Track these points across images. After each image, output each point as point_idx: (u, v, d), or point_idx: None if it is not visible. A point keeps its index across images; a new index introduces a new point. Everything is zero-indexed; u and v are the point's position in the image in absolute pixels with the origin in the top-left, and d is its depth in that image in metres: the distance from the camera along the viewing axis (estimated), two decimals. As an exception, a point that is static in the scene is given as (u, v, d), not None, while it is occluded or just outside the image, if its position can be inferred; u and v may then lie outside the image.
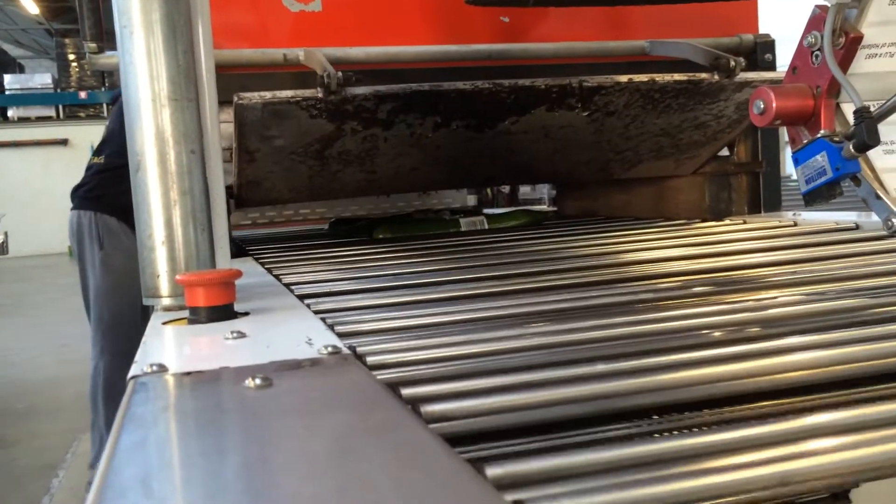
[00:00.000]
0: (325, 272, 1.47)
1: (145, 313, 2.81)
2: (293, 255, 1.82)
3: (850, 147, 0.89)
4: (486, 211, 2.89)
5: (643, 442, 0.58)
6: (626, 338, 0.85)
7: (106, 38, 1.71)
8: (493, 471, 0.52)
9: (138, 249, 1.09)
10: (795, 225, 1.75)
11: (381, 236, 2.15)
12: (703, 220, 2.00)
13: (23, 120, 14.45)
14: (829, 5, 0.92)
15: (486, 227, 2.26)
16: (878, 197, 0.91)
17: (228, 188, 1.76)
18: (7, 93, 14.44)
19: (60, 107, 14.69)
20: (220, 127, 1.16)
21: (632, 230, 1.88)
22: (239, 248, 2.08)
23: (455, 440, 0.60)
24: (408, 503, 0.40)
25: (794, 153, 0.98)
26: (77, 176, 3.38)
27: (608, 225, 2.13)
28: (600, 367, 0.73)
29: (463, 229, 2.24)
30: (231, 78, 1.67)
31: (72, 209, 3.01)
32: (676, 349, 0.78)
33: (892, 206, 0.89)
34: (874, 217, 0.94)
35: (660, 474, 0.52)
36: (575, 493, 0.50)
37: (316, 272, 1.47)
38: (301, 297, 1.15)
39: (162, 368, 0.69)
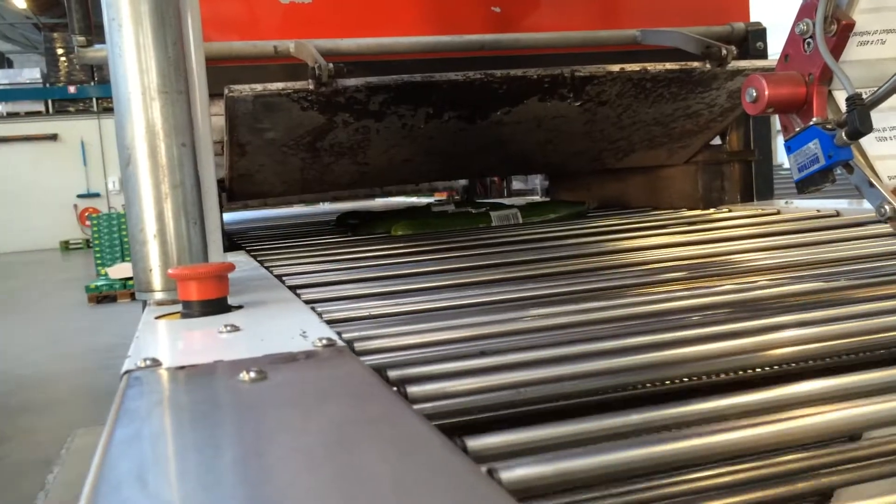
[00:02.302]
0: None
1: None
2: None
3: (843, 134, 0.89)
4: (509, 201, 2.78)
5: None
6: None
7: (94, 31, 1.70)
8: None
9: (130, 243, 1.09)
10: (779, 213, 1.78)
11: (399, 233, 1.92)
12: (696, 209, 2.01)
13: (11, 115, 14.39)
14: (820, -8, 0.92)
15: (521, 220, 2.04)
16: (871, 184, 0.91)
17: (220, 181, 1.75)
18: (-5, 88, 14.37)
19: (50, 102, 14.62)
20: (210, 120, 1.15)
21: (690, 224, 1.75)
22: (232, 242, 2.07)
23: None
24: (405, 494, 0.40)
25: (786, 141, 0.98)
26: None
27: (658, 217, 1.95)
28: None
29: (494, 224, 2.02)
30: (221, 70, 1.66)
31: None
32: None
33: (885, 194, 0.89)
34: (865, 204, 0.95)
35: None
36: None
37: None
38: (294, 290, 1.14)
39: (155, 363, 0.69)
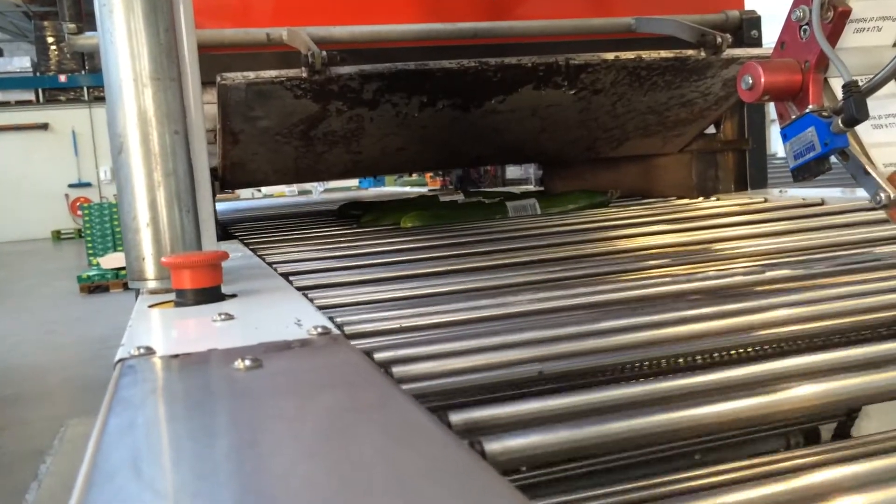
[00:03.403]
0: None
1: None
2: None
3: (839, 122, 0.89)
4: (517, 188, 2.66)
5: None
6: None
7: (85, 18, 1.69)
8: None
9: (122, 232, 1.08)
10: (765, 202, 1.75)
11: (409, 225, 1.81)
12: (689, 198, 2.01)
13: (2, 104, 14.29)
14: (817, -21, 0.92)
15: (539, 211, 1.95)
16: (867, 172, 0.91)
17: (213, 170, 1.74)
18: (-15, 77, 14.28)
19: (40, 91, 14.53)
20: (203, 107, 1.14)
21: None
22: (227, 233, 2.06)
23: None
24: (402, 481, 0.39)
25: (782, 129, 0.98)
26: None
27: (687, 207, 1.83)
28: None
29: (511, 215, 1.91)
30: (214, 58, 1.65)
31: None
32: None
33: (881, 181, 0.89)
34: (860, 192, 0.95)
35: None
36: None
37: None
38: (306, 293, 1.13)
39: (149, 351, 0.68)
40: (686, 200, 1.99)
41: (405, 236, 1.61)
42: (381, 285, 1.11)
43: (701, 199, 1.98)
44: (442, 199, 2.43)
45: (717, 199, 1.93)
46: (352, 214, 2.15)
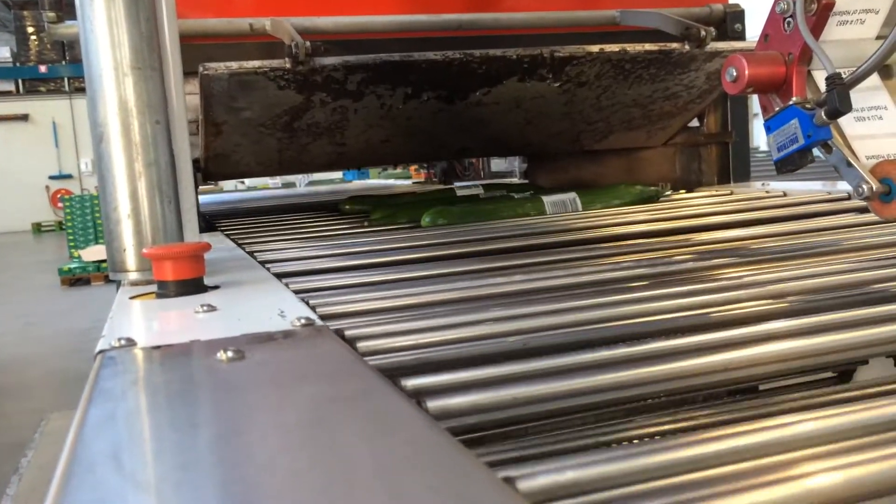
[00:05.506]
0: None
1: None
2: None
3: (822, 114, 0.89)
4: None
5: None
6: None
7: (65, 7, 1.67)
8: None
9: (103, 223, 1.07)
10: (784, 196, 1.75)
11: (429, 223, 1.60)
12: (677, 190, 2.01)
13: (-20, 95, 14.11)
14: (801, -28, 0.92)
15: (580, 208, 1.71)
16: (849, 164, 0.91)
17: (195, 161, 1.72)
18: (-36, 67, 14.10)
19: (20, 81, 14.36)
20: (185, 98, 1.13)
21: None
22: (208, 224, 2.04)
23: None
24: (385, 470, 0.39)
25: (765, 121, 0.99)
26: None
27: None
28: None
29: (549, 212, 1.68)
30: (196, 48, 1.63)
31: None
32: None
33: (863, 173, 0.90)
34: (840, 185, 0.95)
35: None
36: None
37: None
38: (272, 271, 1.13)
39: (130, 342, 0.68)
40: (753, 194, 1.74)
41: (429, 241, 1.35)
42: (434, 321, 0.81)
43: (766, 191, 1.76)
44: (459, 193, 2.19)
45: (785, 195, 1.68)
46: (357, 210, 1.94)
